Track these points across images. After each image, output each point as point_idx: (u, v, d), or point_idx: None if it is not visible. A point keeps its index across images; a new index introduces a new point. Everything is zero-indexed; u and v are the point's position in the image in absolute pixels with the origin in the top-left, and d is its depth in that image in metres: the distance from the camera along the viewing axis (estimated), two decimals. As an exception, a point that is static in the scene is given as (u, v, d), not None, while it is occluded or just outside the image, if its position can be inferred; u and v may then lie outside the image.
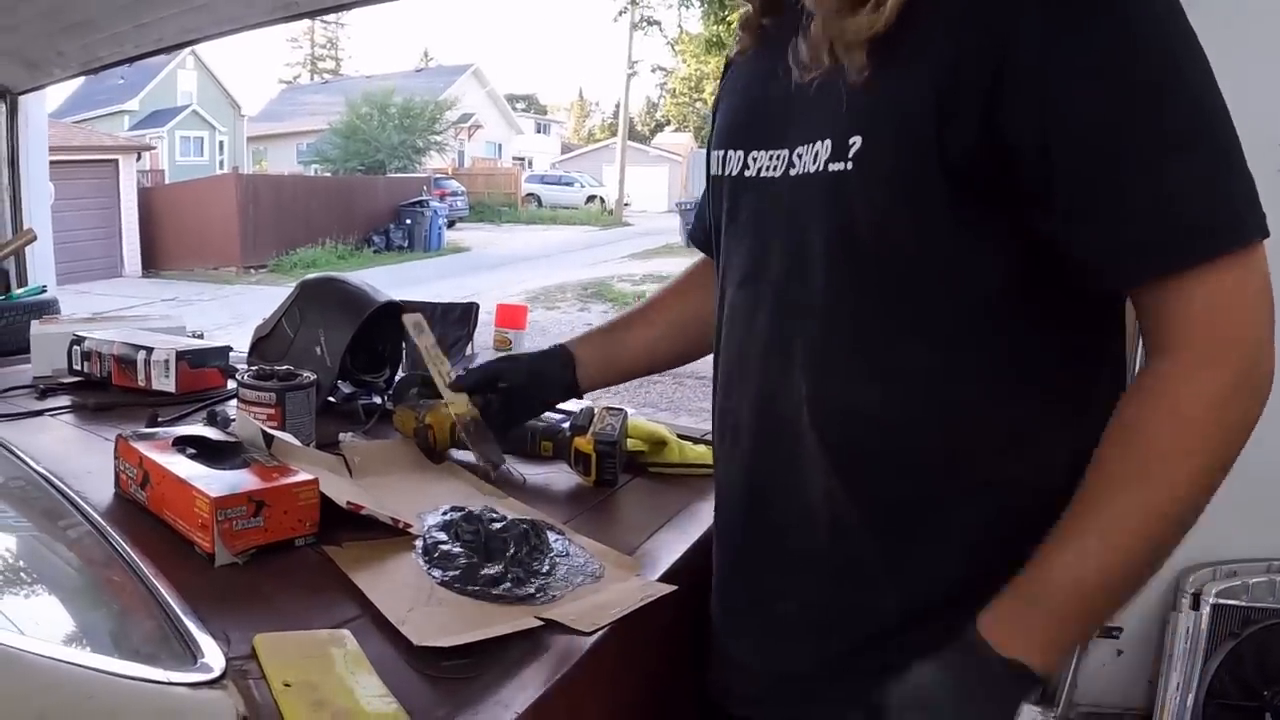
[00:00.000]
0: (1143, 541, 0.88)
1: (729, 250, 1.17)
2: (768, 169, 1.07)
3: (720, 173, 1.17)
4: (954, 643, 0.93)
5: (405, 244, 23.29)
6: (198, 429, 1.49)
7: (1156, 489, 0.87)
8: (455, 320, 2.53)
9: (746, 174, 1.11)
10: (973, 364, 0.96)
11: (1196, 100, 0.85)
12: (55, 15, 3.13)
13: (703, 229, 1.35)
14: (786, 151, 1.04)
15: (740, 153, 1.13)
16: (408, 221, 23.51)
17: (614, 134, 43.01)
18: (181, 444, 1.39)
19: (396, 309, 2.03)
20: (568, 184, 37.25)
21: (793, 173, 1.03)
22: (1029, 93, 0.85)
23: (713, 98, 1.34)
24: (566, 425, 1.65)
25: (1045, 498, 0.95)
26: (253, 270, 19.98)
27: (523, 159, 44.67)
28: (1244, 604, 2.21)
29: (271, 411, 1.62)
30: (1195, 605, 2.22)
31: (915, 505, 1.01)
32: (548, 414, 1.71)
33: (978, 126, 0.88)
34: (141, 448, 1.35)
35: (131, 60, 3.68)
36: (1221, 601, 2.20)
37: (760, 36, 1.17)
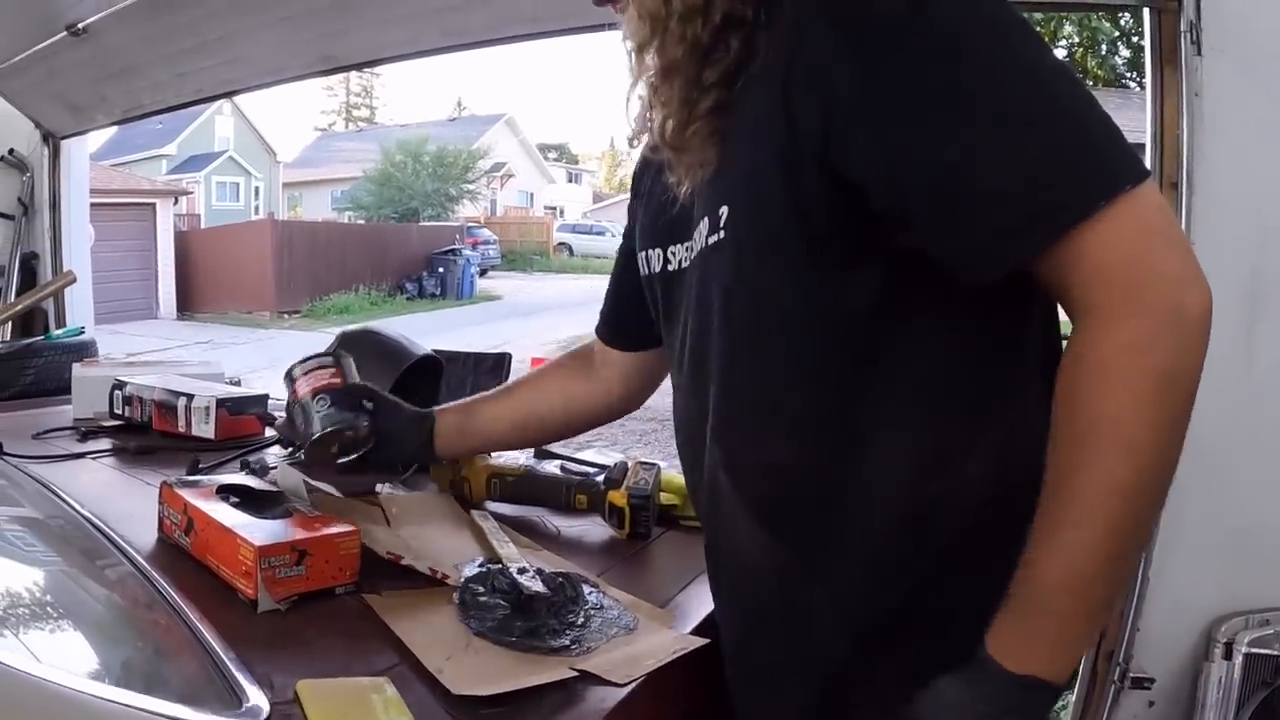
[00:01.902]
0: (1116, 516, 0.84)
1: (668, 343, 1.25)
2: (685, 260, 1.15)
3: (648, 273, 1.25)
4: (969, 660, 0.92)
5: (438, 291, 23.46)
6: (240, 478, 1.51)
7: (1110, 457, 0.83)
8: (488, 370, 2.54)
9: (669, 268, 1.19)
10: (871, 399, 0.97)
11: (1022, 79, 0.86)
12: (100, 62, 3.23)
13: (605, 322, 1.50)
14: (691, 240, 1.11)
15: (660, 250, 1.21)
16: (440, 269, 23.70)
17: (644, 184, 43.11)
18: (225, 492, 1.41)
19: (433, 362, 2.06)
20: (599, 233, 37.16)
21: (693, 254, 1.10)
22: (856, 132, 0.90)
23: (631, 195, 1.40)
24: (601, 479, 1.67)
25: (977, 513, 0.97)
26: (286, 315, 20.16)
27: (554, 208, 44.79)
28: (1277, 653, 2.17)
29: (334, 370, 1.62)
30: (1228, 655, 2.18)
31: (845, 546, 1.02)
32: (583, 468, 1.78)
33: (818, 173, 0.92)
34: (187, 495, 1.38)
35: (172, 109, 3.78)
36: (1254, 651, 2.17)
37: None
